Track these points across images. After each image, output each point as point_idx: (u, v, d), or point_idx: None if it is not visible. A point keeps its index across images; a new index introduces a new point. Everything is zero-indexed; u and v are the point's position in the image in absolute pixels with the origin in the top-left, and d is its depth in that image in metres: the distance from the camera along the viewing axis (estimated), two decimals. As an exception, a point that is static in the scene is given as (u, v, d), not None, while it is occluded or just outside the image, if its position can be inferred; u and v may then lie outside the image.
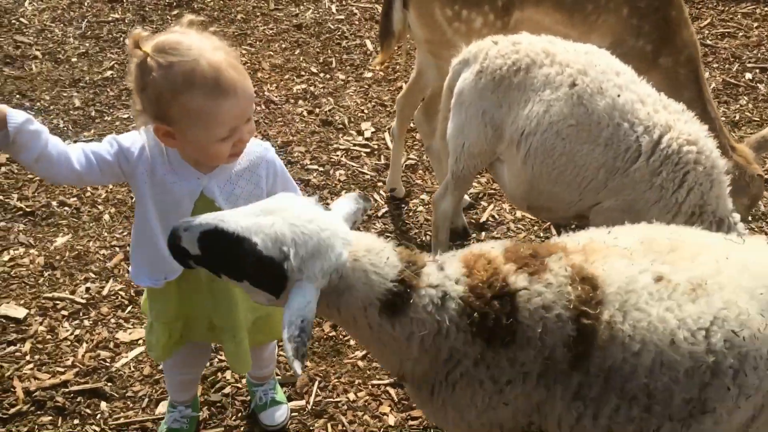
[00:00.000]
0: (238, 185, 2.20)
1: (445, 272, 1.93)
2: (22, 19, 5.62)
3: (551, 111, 2.89)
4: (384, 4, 3.92)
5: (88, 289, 3.46)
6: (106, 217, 3.92)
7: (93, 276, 3.54)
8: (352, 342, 3.24)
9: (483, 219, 4.04)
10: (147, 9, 5.86)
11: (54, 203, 3.97)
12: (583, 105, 2.83)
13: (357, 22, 5.81)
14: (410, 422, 2.96)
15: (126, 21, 5.69)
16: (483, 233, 3.96)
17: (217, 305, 2.30)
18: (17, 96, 4.79)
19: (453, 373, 1.95)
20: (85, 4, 5.84)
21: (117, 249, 3.70)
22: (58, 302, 3.39)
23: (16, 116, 1.96)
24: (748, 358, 1.83)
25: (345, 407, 3.00)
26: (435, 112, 3.96)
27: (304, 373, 3.07)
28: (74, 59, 5.22)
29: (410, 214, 4.08)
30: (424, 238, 3.88)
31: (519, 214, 4.08)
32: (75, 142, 4.35)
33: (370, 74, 5.23)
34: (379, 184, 4.27)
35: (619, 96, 2.81)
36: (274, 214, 1.77)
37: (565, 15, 3.63)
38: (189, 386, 2.79)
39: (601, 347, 1.85)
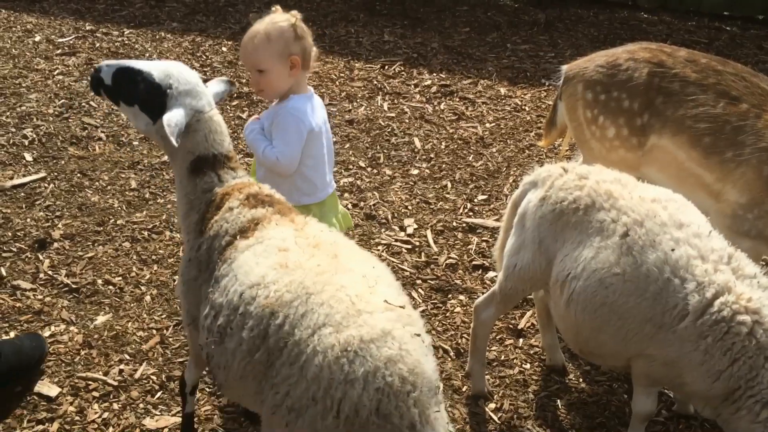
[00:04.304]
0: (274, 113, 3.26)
1: None
2: (92, 103, 5.97)
3: (598, 257, 2.79)
4: (556, 96, 4.01)
5: (121, 371, 3.49)
6: (148, 298, 3.99)
7: (128, 358, 3.57)
8: None
9: (521, 325, 3.95)
10: (208, 98, 6.15)
11: (99, 281, 4.08)
12: (632, 255, 2.72)
13: (407, 120, 5.97)
14: None
15: (187, 108, 5.96)
16: (521, 340, 3.87)
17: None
18: (78, 175, 5.03)
19: None
20: (152, 91, 6.18)
21: (154, 331, 3.74)
22: (90, 383, 3.42)
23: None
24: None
25: None
26: None
27: None
28: (135, 142, 5.47)
29: (447, 314, 4.03)
30: (459, 341, 3.81)
31: (559, 322, 3.98)
32: (126, 222, 4.54)
33: (416, 171, 5.32)
34: (418, 281, 4.26)
35: (673, 250, 2.68)
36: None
37: (700, 154, 3.40)
38: None
39: None
